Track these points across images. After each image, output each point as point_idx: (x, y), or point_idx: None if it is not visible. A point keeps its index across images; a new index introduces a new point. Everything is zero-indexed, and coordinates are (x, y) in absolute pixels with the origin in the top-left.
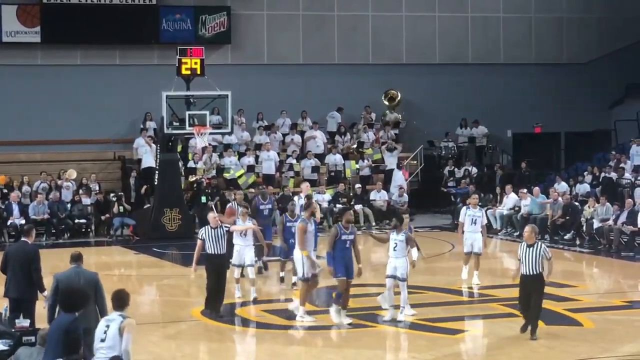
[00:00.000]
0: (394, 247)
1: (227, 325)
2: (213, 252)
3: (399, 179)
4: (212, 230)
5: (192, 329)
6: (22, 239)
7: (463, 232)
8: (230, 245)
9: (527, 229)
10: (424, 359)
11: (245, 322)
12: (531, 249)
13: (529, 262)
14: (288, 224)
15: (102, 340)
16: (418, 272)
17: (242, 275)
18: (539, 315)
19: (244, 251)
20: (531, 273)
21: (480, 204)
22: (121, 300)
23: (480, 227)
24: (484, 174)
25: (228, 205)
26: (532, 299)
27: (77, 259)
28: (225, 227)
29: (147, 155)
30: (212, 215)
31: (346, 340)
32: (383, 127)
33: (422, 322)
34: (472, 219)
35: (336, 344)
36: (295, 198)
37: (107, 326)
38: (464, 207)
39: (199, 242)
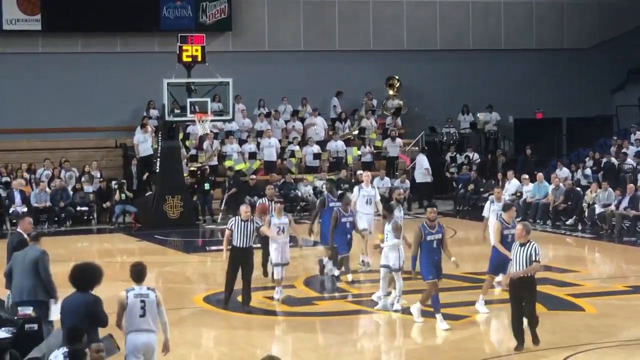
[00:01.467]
0: (386, 238)
1: (229, 312)
2: (238, 245)
3: (424, 162)
4: (242, 222)
5: (194, 316)
6: (18, 228)
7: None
8: (265, 243)
9: (518, 226)
10: (426, 345)
11: (247, 309)
12: (523, 248)
13: (519, 262)
14: (343, 220)
15: (142, 316)
16: None
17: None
18: (535, 323)
19: (285, 249)
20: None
21: (482, 189)
22: (140, 272)
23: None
24: (487, 160)
25: (259, 202)
26: (524, 306)
27: (34, 238)
28: (257, 223)
29: (145, 143)
30: (243, 208)
31: (344, 326)
32: (385, 114)
33: (424, 309)
34: (498, 214)
35: (337, 330)
36: (356, 188)
37: (142, 301)
38: (489, 201)
39: (227, 231)
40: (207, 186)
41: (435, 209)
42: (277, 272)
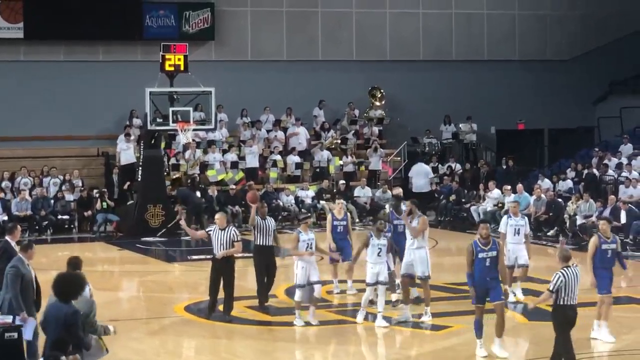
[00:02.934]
0: (378, 253)
1: (211, 321)
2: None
3: (427, 171)
4: (220, 231)
5: (176, 325)
6: (6, 237)
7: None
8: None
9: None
10: (408, 355)
11: (228, 318)
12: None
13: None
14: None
15: None
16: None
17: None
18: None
19: (311, 268)
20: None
21: (464, 200)
22: (76, 265)
23: (524, 236)
24: (469, 170)
25: (250, 191)
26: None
27: (22, 248)
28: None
29: (127, 152)
30: (218, 217)
31: (329, 337)
32: (367, 124)
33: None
34: (515, 229)
35: (320, 340)
36: (403, 206)
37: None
38: (505, 216)
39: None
40: (198, 194)
41: (488, 224)
42: (298, 294)
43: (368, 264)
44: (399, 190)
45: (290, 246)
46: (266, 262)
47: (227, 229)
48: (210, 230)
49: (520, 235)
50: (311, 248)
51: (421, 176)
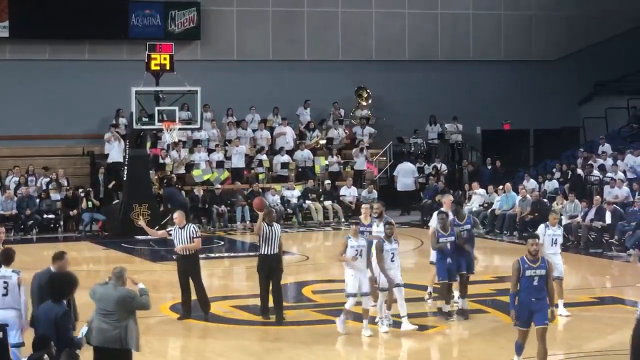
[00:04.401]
0: (392, 258)
1: (196, 320)
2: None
3: (413, 169)
4: (179, 230)
5: (161, 324)
6: None
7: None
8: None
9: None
10: (393, 355)
11: (214, 318)
12: None
13: None
14: (441, 239)
15: (4, 295)
16: None
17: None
18: None
19: (360, 276)
20: None
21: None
22: (7, 256)
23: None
24: (455, 171)
25: (257, 198)
26: None
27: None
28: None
29: (114, 150)
30: (176, 215)
31: (315, 336)
32: (353, 124)
33: (392, 318)
34: (553, 239)
35: (305, 340)
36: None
37: (5, 282)
38: (542, 226)
39: (164, 232)
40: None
41: (537, 240)
42: (350, 303)
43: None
44: (449, 197)
45: (338, 252)
46: (187, 272)
47: (186, 227)
48: (171, 230)
49: (557, 245)
50: (361, 256)
51: (407, 175)
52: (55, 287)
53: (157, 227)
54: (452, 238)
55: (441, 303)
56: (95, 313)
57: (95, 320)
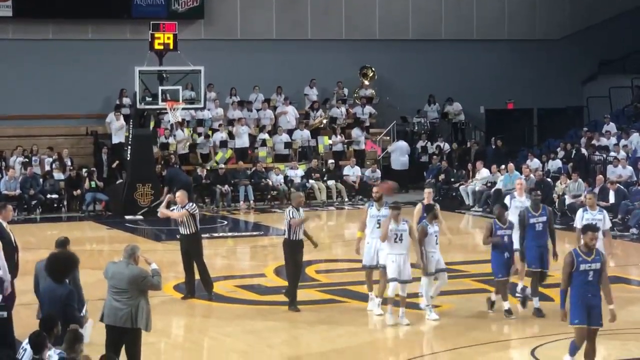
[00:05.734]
0: (435, 241)
1: (199, 300)
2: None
3: (407, 148)
4: (182, 209)
5: (164, 304)
6: None
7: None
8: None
9: None
10: (396, 334)
11: (217, 298)
12: None
13: None
14: (499, 232)
15: None
16: None
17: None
18: None
19: (402, 262)
20: None
21: (453, 179)
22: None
23: (602, 232)
24: (457, 150)
25: (384, 182)
26: None
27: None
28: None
29: (118, 130)
30: (178, 194)
31: (318, 316)
32: (356, 103)
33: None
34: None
35: (308, 320)
36: (507, 198)
37: None
38: (581, 210)
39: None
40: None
41: (595, 232)
42: (392, 289)
43: (427, 253)
44: (430, 190)
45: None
46: (189, 250)
47: (186, 206)
48: (174, 208)
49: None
50: (401, 241)
51: (401, 153)
52: (55, 267)
53: (153, 206)
54: (510, 232)
55: (498, 299)
56: (108, 291)
57: (107, 298)
